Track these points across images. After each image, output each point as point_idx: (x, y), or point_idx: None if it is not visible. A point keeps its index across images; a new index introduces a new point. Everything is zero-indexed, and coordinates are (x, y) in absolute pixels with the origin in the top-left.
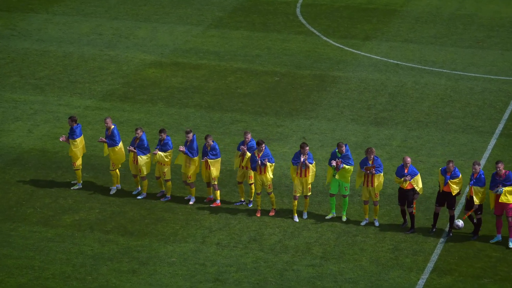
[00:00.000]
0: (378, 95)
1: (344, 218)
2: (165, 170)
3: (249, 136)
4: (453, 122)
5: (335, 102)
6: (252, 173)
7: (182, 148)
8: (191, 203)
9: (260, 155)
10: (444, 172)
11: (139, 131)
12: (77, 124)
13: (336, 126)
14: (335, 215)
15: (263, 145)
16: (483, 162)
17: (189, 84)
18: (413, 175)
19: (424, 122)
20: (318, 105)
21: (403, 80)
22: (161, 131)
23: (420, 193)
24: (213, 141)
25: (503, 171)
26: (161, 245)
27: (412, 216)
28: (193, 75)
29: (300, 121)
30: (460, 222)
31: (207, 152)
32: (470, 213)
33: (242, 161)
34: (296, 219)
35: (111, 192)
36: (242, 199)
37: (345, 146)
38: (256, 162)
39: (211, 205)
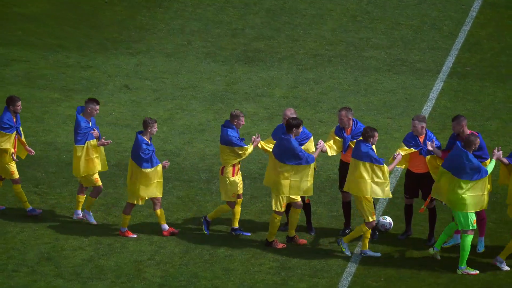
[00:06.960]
0: (249, 12)
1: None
2: None
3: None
4: (373, 55)
5: (177, 26)
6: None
7: None
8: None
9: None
10: (340, 130)
11: None
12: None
13: (181, 66)
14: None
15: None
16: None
17: None
18: (303, 139)
19: (325, 56)
20: (150, 31)
21: None
22: None
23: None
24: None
25: (467, 131)
26: None
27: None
28: None
29: (121, 58)
30: (387, 220)
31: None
32: (428, 201)
33: None
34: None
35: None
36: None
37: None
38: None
39: None
